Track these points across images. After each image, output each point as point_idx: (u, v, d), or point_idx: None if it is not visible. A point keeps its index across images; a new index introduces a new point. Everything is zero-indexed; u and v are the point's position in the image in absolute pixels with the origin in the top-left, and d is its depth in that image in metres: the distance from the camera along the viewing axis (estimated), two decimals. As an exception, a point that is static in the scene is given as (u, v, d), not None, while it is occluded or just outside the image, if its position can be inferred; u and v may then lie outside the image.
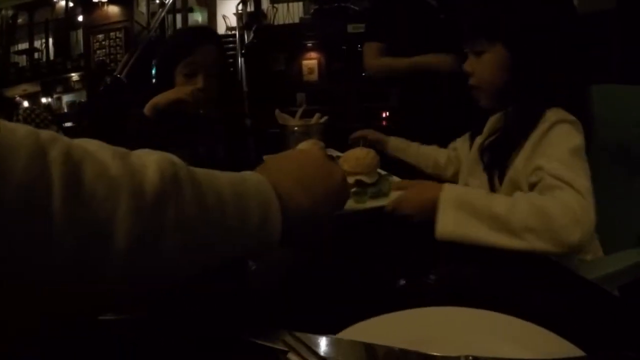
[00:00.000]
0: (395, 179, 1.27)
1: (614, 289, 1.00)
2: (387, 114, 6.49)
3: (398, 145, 1.72)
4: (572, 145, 0.97)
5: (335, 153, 1.58)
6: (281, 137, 1.62)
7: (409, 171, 1.60)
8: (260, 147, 2.41)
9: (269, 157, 0.70)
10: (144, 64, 8.63)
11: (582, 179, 0.90)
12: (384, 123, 6.34)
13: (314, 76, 9.37)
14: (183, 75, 1.63)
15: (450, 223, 0.85)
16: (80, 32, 11.05)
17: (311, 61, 9.38)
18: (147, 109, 1.51)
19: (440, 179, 1.44)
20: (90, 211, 0.35)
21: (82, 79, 10.83)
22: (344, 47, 8.60)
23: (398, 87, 2.42)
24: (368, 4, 5.00)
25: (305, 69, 9.38)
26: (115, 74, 8.29)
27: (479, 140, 1.27)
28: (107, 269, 0.36)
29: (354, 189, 1.17)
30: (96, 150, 0.39)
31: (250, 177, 0.55)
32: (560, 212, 0.82)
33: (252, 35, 9.11)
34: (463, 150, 1.46)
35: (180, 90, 1.55)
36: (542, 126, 1.03)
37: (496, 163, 1.14)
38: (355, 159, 1.17)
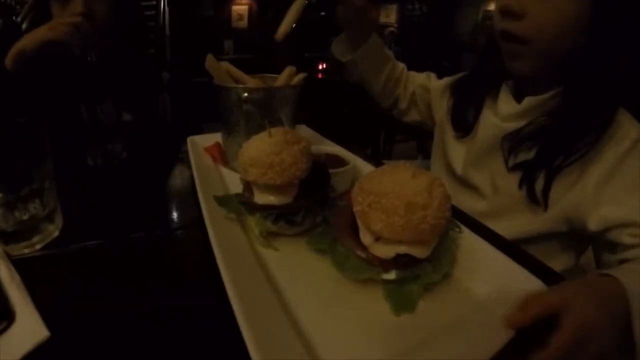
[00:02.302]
0: (465, 230, 0.60)
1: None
2: (325, 65, 5.78)
3: (377, 48, 1.10)
4: None
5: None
6: (217, 104, 0.83)
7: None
8: (180, 105, 1.64)
9: None
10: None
11: None
12: (319, 76, 5.60)
13: (244, 23, 8.58)
14: (57, 2, 1.13)
15: None
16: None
17: (241, 7, 8.49)
18: (8, 59, 1.04)
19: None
20: None
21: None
22: (278, -6, 7.89)
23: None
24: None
25: (234, 15, 8.50)
26: (14, 17, 6.74)
27: (495, 119, 0.87)
28: None
29: (389, 274, 0.46)
30: None
31: None
32: None
33: (178, -27, 7.94)
34: (439, 105, 1.07)
35: (53, 27, 1.03)
36: (623, 143, 0.73)
37: (541, 166, 0.77)
38: (406, 208, 0.43)
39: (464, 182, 0.92)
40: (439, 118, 1.05)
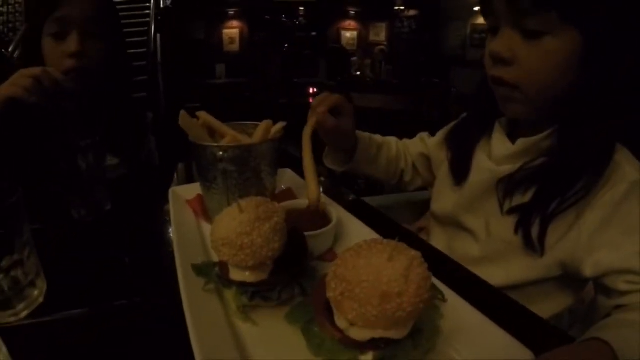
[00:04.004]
0: (451, 296, 0.58)
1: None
2: (316, 90, 5.80)
3: (367, 145, 1.07)
4: None
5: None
6: (196, 163, 0.82)
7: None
8: (167, 146, 1.59)
9: None
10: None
11: None
12: (310, 100, 5.62)
13: (235, 46, 8.63)
14: (51, 38, 1.11)
15: None
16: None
17: (233, 30, 8.53)
18: None
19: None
20: None
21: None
22: (268, 17, 7.97)
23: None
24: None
25: (226, 39, 8.55)
26: (3, 49, 6.53)
27: (489, 163, 0.85)
28: None
29: (366, 356, 0.47)
30: None
31: None
32: None
33: (169, -1, 7.96)
34: (438, 161, 1.06)
35: (14, 82, 0.96)
36: (620, 186, 0.69)
37: (537, 210, 0.74)
38: (381, 297, 0.41)
39: (459, 226, 0.90)
40: (438, 173, 1.04)
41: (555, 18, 0.67)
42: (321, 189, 0.81)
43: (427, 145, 1.11)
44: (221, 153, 0.75)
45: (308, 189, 0.79)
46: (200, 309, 0.55)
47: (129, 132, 1.32)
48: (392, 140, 1.15)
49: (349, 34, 8.80)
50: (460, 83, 6.15)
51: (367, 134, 1.09)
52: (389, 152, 1.12)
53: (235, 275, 0.55)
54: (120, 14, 1.36)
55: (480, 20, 6.94)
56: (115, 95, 1.28)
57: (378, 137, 1.12)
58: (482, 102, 0.89)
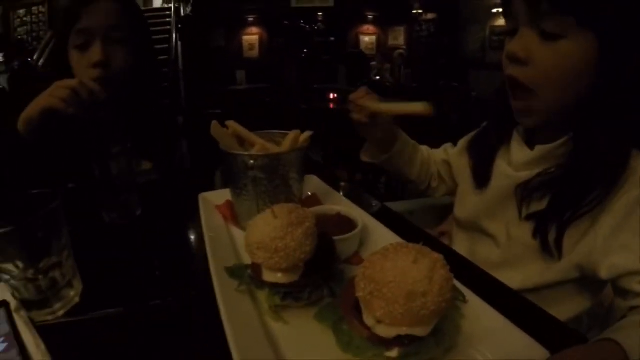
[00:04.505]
0: (472, 297, 0.60)
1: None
2: (335, 95, 5.81)
3: (405, 142, 1.14)
4: None
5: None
6: (227, 170, 0.86)
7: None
8: (197, 147, 1.62)
9: None
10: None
11: None
12: (331, 106, 5.64)
13: (255, 52, 8.73)
14: (76, 50, 1.15)
15: None
16: (-1, 7, 9.29)
17: (252, 37, 8.66)
18: (20, 125, 1.03)
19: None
20: None
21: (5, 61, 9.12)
22: (287, 23, 8.01)
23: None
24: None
25: (245, 45, 8.66)
26: (29, 58, 6.50)
27: (508, 169, 0.88)
28: None
29: (391, 352, 0.49)
30: None
31: None
32: None
33: (189, 8, 8.07)
34: (459, 168, 1.09)
35: (52, 93, 1.01)
36: (634, 191, 0.70)
37: (553, 217, 0.76)
38: (406, 297, 0.45)
39: (480, 231, 0.93)
40: (460, 180, 1.08)
41: (572, 21, 0.69)
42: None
43: (449, 154, 1.14)
44: (252, 161, 0.79)
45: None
46: (234, 309, 0.59)
47: (160, 137, 1.36)
48: (424, 147, 1.20)
49: (367, 38, 8.82)
50: (480, 86, 6.11)
51: (404, 133, 1.14)
52: (422, 155, 1.16)
53: (268, 276, 0.59)
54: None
55: (499, 23, 6.90)
56: (144, 100, 1.32)
57: (413, 141, 1.17)
58: (500, 109, 0.91)
